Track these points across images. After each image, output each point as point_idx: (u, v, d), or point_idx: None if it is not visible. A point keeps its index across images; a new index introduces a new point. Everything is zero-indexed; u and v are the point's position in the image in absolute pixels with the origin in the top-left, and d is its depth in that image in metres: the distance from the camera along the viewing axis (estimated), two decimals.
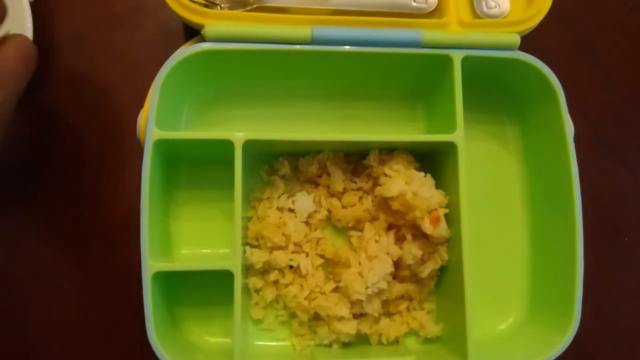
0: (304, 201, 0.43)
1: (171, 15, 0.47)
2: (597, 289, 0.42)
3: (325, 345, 0.43)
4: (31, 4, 0.43)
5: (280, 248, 0.42)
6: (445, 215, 0.43)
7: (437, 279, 0.45)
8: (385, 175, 0.43)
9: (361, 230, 0.43)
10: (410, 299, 0.44)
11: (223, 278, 0.38)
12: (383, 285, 0.41)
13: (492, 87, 0.46)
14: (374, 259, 0.41)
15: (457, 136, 0.41)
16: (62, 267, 0.44)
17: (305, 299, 0.42)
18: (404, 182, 0.41)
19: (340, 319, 0.41)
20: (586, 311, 0.41)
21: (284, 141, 0.41)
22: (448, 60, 0.42)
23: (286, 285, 0.43)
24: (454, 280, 0.41)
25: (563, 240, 0.42)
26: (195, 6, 0.40)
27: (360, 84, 0.46)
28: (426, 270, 0.42)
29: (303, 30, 0.40)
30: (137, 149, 0.40)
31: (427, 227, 0.41)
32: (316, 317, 0.43)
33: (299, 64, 0.43)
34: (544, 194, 0.45)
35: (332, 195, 0.45)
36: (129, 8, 0.48)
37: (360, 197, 0.44)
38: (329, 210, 0.44)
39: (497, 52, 0.42)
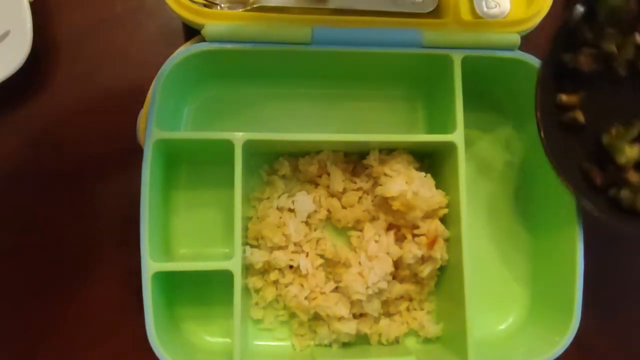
0: (304, 201, 0.43)
1: (171, 15, 0.47)
2: (597, 289, 0.42)
3: (325, 345, 0.43)
4: (31, 4, 0.43)
5: (280, 248, 0.42)
6: (445, 215, 0.43)
7: (437, 279, 0.45)
8: (386, 175, 0.43)
9: (361, 230, 0.43)
10: (410, 299, 0.44)
11: (223, 278, 0.38)
12: (383, 285, 0.41)
13: (492, 87, 0.46)
14: (374, 259, 0.41)
15: (457, 136, 0.41)
16: (62, 266, 0.44)
17: (305, 299, 0.42)
18: (404, 182, 0.41)
19: (340, 318, 0.41)
20: (586, 311, 0.41)
21: (284, 141, 0.41)
22: (448, 60, 0.42)
23: (286, 285, 0.43)
24: (454, 280, 0.41)
25: (563, 240, 0.42)
26: (195, 6, 0.40)
27: (360, 84, 0.46)
28: (426, 270, 0.42)
29: (303, 30, 0.40)
30: (137, 149, 0.40)
31: (423, 248, 0.42)
32: (316, 317, 0.43)
33: (299, 64, 0.43)
34: (544, 193, 0.45)
35: (332, 195, 0.45)
36: (129, 8, 0.47)
37: (360, 197, 0.44)
38: (328, 210, 0.44)
39: (497, 52, 0.42)
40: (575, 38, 0.38)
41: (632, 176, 0.37)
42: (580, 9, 0.37)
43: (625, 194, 0.37)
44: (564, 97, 0.38)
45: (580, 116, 0.38)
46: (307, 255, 0.43)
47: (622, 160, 0.36)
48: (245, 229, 0.44)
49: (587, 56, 0.37)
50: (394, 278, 0.43)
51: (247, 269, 0.43)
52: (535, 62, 0.42)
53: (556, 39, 0.37)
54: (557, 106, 0.39)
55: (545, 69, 0.38)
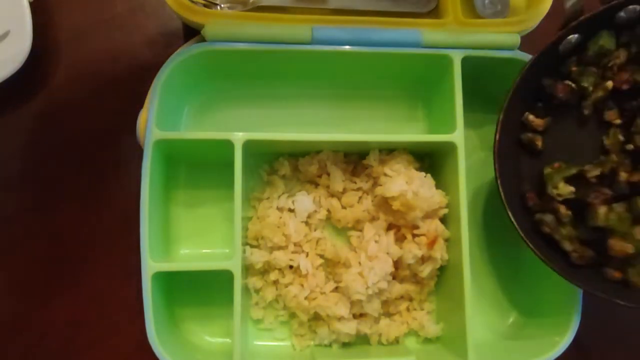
0: (304, 201, 0.43)
1: (171, 15, 0.47)
2: None
3: (325, 345, 0.43)
4: (31, 4, 0.43)
5: (280, 248, 0.42)
6: (445, 215, 0.43)
7: (437, 279, 0.45)
8: (386, 175, 0.43)
9: (361, 230, 0.43)
10: (410, 299, 0.44)
11: (223, 278, 0.38)
12: (383, 285, 0.41)
13: (492, 87, 0.46)
14: (374, 259, 0.41)
15: (457, 136, 0.41)
16: (63, 266, 0.44)
17: (305, 298, 0.42)
18: (404, 182, 0.41)
19: (340, 318, 0.41)
20: (586, 311, 0.41)
21: (284, 141, 0.41)
22: (448, 60, 0.42)
23: (286, 285, 0.43)
24: (454, 280, 0.41)
25: None
26: (195, 6, 0.40)
27: (360, 84, 0.46)
28: (426, 270, 0.42)
29: (303, 30, 0.40)
30: (137, 149, 0.40)
31: (423, 248, 0.42)
32: (316, 317, 0.43)
33: (299, 64, 0.43)
34: None
35: (331, 195, 0.45)
36: (129, 8, 0.48)
37: (360, 197, 0.44)
38: (328, 210, 0.44)
39: (497, 52, 0.42)
40: (561, 66, 0.39)
41: (562, 209, 0.39)
42: (574, 38, 0.38)
43: (549, 218, 0.39)
44: (530, 117, 0.40)
45: (539, 142, 0.40)
46: (307, 255, 0.43)
47: (553, 193, 0.38)
48: (245, 229, 0.44)
49: (565, 86, 0.39)
50: (394, 278, 0.43)
51: (247, 269, 0.43)
52: None
53: (543, 55, 0.38)
54: (521, 122, 0.41)
55: (524, 78, 0.39)
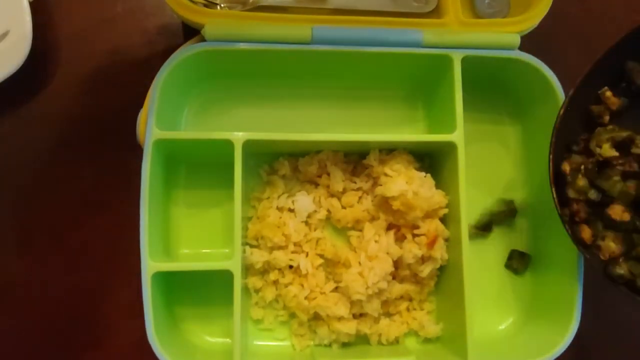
0: (304, 201, 0.43)
1: (171, 15, 0.47)
2: (597, 289, 0.42)
3: (325, 345, 0.43)
4: (31, 4, 0.43)
5: (280, 248, 0.42)
6: (445, 215, 0.43)
7: (437, 279, 0.45)
8: (386, 175, 0.43)
9: (361, 230, 0.43)
10: (410, 299, 0.44)
11: (223, 278, 0.38)
12: (383, 285, 0.41)
13: (492, 87, 0.46)
14: (374, 259, 0.41)
15: (457, 136, 0.41)
16: (62, 266, 0.44)
17: (305, 298, 0.42)
18: (404, 182, 0.41)
19: (340, 318, 0.41)
20: (586, 311, 0.41)
21: (284, 141, 0.41)
22: (448, 60, 0.42)
23: (286, 285, 0.43)
24: (454, 280, 0.41)
25: (563, 239, 0.42)
26: (195, 6, 0.40)
27: (360, 84, 0.46)
28: (426, 270, 0.42)
29: (303, 30, 0.40)
30: (137, 149, 0.40)
31: (423, 248, 0.42)
32: (316, 317, 0.43)
33: (299, 64, 0.43)
34: (544, 193, 0.45)
35: (331, 195, 0.45)
36: (129, 8, 0.48)
37: (360, 197, 0.44)
38: (328, 211, 0.44)
39: (497, 52, 0.42)
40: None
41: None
42: None
43: (577, 159, 0.38)
44: (608, 93, 0.39)
45: (606, 117, 0.39)
46: (307, 255, 0.43)
47: (595, 150, 0.37)
48: (245, 229, 0.44)
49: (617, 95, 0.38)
50: (394, 278, 0.43)
51: (247, 269, 0.43)
52: (535, 62, 0.42)
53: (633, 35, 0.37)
54: (596, 96, 0.39)
55: (608, 54, 0.37)
